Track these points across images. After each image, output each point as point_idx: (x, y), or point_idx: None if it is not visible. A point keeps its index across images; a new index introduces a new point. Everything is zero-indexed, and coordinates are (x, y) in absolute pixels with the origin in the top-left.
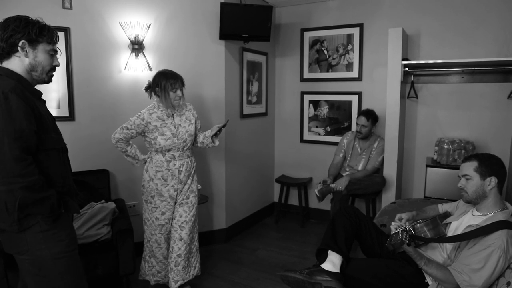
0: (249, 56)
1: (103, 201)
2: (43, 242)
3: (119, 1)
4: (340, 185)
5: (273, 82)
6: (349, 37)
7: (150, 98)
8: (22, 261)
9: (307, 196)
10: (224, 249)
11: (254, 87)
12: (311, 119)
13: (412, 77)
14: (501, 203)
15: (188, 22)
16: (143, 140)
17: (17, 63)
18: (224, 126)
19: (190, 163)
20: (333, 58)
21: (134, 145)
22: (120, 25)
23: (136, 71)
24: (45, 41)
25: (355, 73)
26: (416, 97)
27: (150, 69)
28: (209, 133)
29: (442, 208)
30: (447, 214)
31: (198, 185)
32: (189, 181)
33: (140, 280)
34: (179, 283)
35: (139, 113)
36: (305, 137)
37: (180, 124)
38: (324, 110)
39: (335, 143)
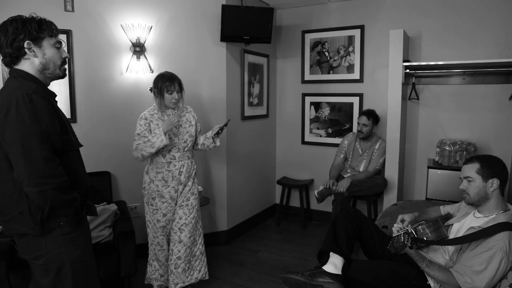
0: (250, 58)
1: (104, 203)
2: (63, 246)
3: (120, 4)
4: (342, 186)
5: (274, 84)
6: (350, 38)
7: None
8: (38, 267)
9: (309, 198)
10: (225, 251)
11: (255, 89)
12: (312, 120)
13: (414, 78)
14: (503, 205)
15: (189, 24)
16: None
17: (28, 66)
18: (225, 125)
19: (191, 165)
20: (334, 60)
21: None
22: (122, 27)
23: (137, 73)
24: (47, 35)
25: (356, 75)
26: (418, 98)
27: (152, 71)
28: (210, 133)
29: (444, 209)
30: (448, 216)
31: (200, 187)
32: (189, 183)
33: (141, 282)
34: (178, 285)
35: (140, 116)
36: (306, 139)
37: (180, 125)
38: (325, 111)
39: (337, 145)
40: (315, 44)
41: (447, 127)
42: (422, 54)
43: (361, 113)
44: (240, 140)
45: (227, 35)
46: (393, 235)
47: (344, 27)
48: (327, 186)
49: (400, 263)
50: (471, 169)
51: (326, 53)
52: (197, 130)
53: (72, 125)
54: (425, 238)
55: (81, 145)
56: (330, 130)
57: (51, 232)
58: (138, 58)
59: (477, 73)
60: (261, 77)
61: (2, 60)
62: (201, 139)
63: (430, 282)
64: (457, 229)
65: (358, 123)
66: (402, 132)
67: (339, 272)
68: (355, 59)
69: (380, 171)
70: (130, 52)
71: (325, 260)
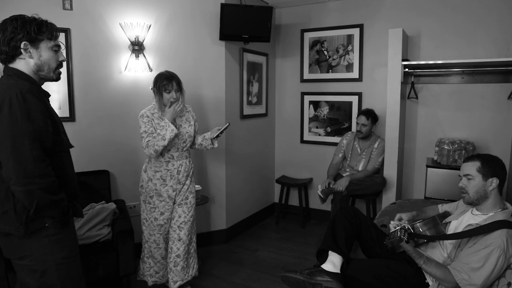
0: (249, 57)
1: (103, 202)
2: (48, 247)
3: (119, 2)
4: (341, 185)
5: (273, 83)
6: (349, 37)
7: None
8: (22, 267)
9: (308, 197)
10: (224, 249)
11: (254, 88)
12: (311, 119)
13: (412, 77)
14: (501, 203)
15: (188, 23)
16: None
17: (22, 65)
18: (225, 129)
19: (189, 164)
20: (333, 59)
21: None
22: (121, 26)
23: (136, 72)
24: (45, 38)
25: (355, 74)
26: (416, 97)
27: (151, 70)
28: (208, 135)
29: (442, 208)
30: (446, 214)
31: (197, 186)
32: (187, 182)
33: (140, 281)
34: (178, 283)
35: (141, 114)
36: (305, 138)
37: (180, 125)
38: (324, 110)
39: (336, 144)
40: (314, 43)
41: (446, 126)
42: (421, 53)
43: (360, 112)
44: (239, 139)
45: (226, 34)
46: (390, 231)
47: (343, 26)
48: (326, 186)
49: (398, 261)
50: (471, 167)
51: (325, 52)
52: (195, 130)
53: (71, 123)
54: None
55: (72, 146)
56: (329, 129)
57: (36, 233)
58: (137, 56)
59: (476, 72)
60: (260, 76)
61: None
62: (199, 139)
63: (429, 280)
64: (455, 226)
65: (357, 123)
66: (401, 131)
67: (338, 271)
68: (354, 58)
69: (379, 170)
70: (128, 50)
71: (324, 259)
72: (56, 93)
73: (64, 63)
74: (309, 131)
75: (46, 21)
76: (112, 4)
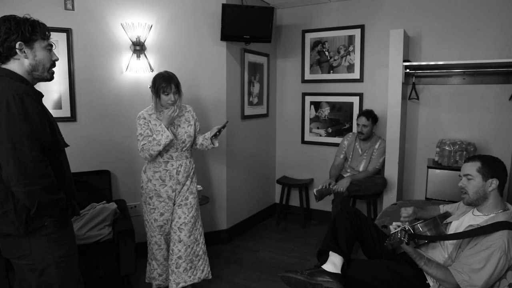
0: (250, 57)
1: (104, 201)
2: (47, 246)
3: (121, 2)
4: (341, 186)
5: (274, 83)
6: (351, 38)
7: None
8: (21, 266)
9: (308, 197)
10: (225, 250)
11: (255, 88)
12: (312, 120)
13: (414, 78)
14: (502, 205)
15: (189, 23)
16: None
17: (16, 66)
18: (223, 127)
19: (189, 164)
20: (334, 60)
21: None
22: (122, 26)
23: (137, 72)
24: (39, 38)
25: (356, 75)
26: (418, 98)
27: (152, 70)
28: (208, 134)
29: (443, 208)
30: (447, 214)
31: (199, 186)
32: (188, 182)
33: (141, 281)
34: (180, 285)
35: (138, 115)
36: (306, 138)
37: (179, 125)
38: (325, 111)
39: (336, 144)
40: (315, 43)
41: (447, 127)
42: (422, 54)
43: (360, 113)
44: (240, 140)
45: (227, 34)
46: (391, 232)
47: (344, 27)
48: (326, 186)
49: (399, 262)
50: (472, 167)
51: (326, 53)
52: (196, 130)
53: (72, 123)
54: None
55: (67, 145)
56: (330, 130)
57: (35, 232)
58: (138, 57)
59: (477, 73)
60: (261, 77)
61: None
62: (199, 139)
63: (430, 281)
64: (456, 227)
65: (358, 124)
66: (402, 132)
67: (339, 271)
68: (355, 58)
69: (380, 170)
70: (130, 51)
71: (324, 259)
72: (57, 93)
73: (65, 66)
74: (310, 131)
75: (38, 21)
76: (114, 4)
